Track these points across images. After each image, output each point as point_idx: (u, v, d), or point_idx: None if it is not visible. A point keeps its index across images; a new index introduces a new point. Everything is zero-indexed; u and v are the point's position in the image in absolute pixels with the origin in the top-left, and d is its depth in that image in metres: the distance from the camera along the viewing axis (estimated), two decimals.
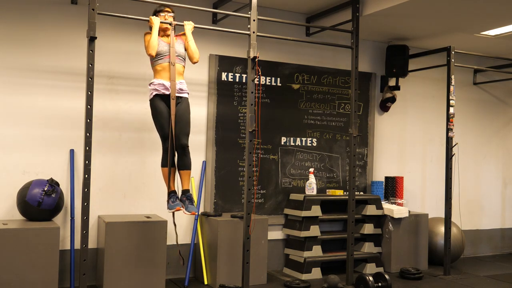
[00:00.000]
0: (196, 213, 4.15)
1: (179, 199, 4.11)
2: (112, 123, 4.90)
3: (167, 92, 4.04)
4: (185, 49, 4.19)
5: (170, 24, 4.09)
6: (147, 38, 4.05)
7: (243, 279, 4.32)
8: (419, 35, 5.98)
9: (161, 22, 4.06)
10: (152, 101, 4.09)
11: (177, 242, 4.29)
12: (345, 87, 6.06)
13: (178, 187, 4.19)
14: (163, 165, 4.14)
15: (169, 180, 4.09)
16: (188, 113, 4.16)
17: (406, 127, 6.59)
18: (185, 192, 4.13)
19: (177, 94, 4.07)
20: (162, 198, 4.98)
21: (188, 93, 4.19)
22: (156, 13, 4.14)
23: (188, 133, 4.16)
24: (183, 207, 4.08)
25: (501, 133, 7.33)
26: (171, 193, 4.10)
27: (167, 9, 4.14)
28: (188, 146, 4.13)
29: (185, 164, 4.14)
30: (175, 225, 4.20)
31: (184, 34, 4.19)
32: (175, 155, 4.10)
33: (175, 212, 4.09)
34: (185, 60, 4.19)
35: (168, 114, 4.05)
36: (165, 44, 4.09)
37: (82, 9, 4.55)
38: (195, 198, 5.17)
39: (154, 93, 4.06)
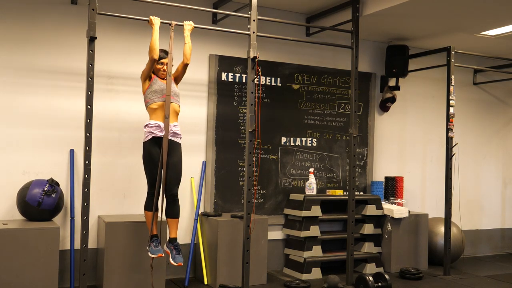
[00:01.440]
0: (182, 264, 4.10)
1: (160, 244, 4.06)
2: (112, 123, 4.90)
3: (163, 134, 3.98)
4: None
5: (170, 24, 4.09)
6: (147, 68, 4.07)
7: (243, 279, 4.32)
8: (419, 35, 5.98)
9: (161, 22, 4.05)
10: (145, 145, 4.05)
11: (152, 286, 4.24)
12: (345, 87, 6.06)
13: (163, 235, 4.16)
14: (147, 208, 4.10)
15: (152, 223, 4.04)
16: (180, 162, 4.11)
17: (406, 127, 6.59)
18: (173, 240, 4.07)
19: (170, 138, 4.01)
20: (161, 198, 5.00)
21: (181, 138, 4.15)
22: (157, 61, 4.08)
23: (179, 182, 4.12)
24: (169, 256, 4.03)
25: (501, 133, 7.33)
26: (154, 237, 4.06)
27: (164, 60, 4.10)
28: (177, 195, 4.10)
29: (174, 213, 4.10)
30: (152, 268, 4.13)
31: (172, 75, 4.17)
32: (159, 199, 4.02)
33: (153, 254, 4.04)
34: (179, 99, 4.18)
35: (159, 161, 3.98)
36: (161, 84, 4.07)
37: (82, 9, 4.55)
38: (195, 198, 5.18)
39: (150, 136, 4.01)
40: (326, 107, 5.97)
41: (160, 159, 3.95)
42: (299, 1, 5.33)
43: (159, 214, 4.05)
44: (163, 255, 4.05)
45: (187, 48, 4.14)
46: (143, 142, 4.08)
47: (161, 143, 3.98)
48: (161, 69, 4.11)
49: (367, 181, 6.21)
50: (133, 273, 4.42)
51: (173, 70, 4.23)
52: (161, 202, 4.02)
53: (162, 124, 4.00)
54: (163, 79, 4.12)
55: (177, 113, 4.14)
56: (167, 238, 4.15)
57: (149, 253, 4.05)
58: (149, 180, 4.08)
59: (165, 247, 4.12)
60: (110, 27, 4.77)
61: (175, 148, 4.08)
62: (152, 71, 4.11)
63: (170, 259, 4.03)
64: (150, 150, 4.02)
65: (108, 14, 3.96)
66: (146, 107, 4.12)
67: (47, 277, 4.05)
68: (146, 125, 4.07)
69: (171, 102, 4.04)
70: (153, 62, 4.01)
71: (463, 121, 6.82)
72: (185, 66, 4.19)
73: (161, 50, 4.09)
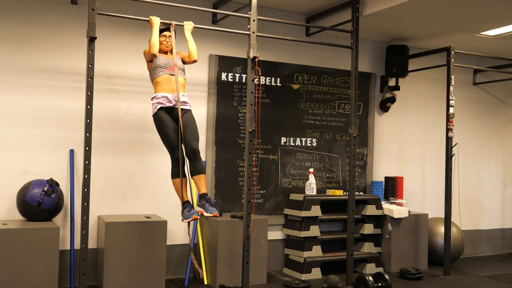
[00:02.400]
0: (218, 215, 4.08)
1: (193, 208, 4.05)
2: (112, 123, 4.89)
3: (171, 105, 4.01)
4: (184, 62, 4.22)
5: (170, 24, 4.09)
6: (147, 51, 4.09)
7: (243, 279, 4.32)
8: (419, 35, 5.98)
9: (161, 22, 4.06)
10: (156, 115, 4.05)
11: (191, 251, 4.24)
12: (345, 87, 6.06)
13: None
14: (174, 176, 4.09)
15: (182, 190, 4.03)
16: (194, 121, 4.12)
17: (406, 127, 6.59)
18: (204, 196, 4.06)
19: (181, 107, 4.03)
20: (162, 198, 5.01)
21: (190, 106, 4.16)
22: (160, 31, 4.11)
23: (198, 138, 4.11)
24: (202, 211, 4.00)
25: (501, 133, 7.33)
26: (185, 203, 4.04)
27: (166, 32, 4.12)
28: (199, 151, 4.09)
29: (198, 169, 4.07)
30: (189, 235, 4.18)
31: (180, 54, 4.22)
32: (185, 165, 4.03)
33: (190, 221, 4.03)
34: (185, 73, 4.20)
35: (174, 125, 4.02)
36: (164, 58, 4.09)
37: (82, 9, 4.54)
38: (194, 198, 5.17)
39: (158, 106, 4.02)
40: (326, 107, 5.97)
41: (179, 132, 3.96)
42: (299, 1, 5.33)
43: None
44: (198, 216, 3.98)
45: (191, 45, 4.15)
46: (153, 115, 4.08)
47: (171, 112, 4.01)
48: (164, 42, 4.11)
49: (367, 181, 6.20)
50: (133, 273, 4.42)
51: (184, 81, 4.20)
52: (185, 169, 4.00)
53: (168, 95, 4.02)
54: (165, 53, 4.14)
55: (183, 85, 4.14)
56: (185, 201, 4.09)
57: (183, 219, 4.00)
58: (169, 147, 4.07)
59: (197, 207, 4.07)
60: (110, 27, 4.77)
61: (188, 114, 4.10)
62: None
63: (205, 213, 3.98)
64: (161, 118, 4.02)
65: (108, 14, 3.95)
66: (152, 81, 4.13)
67: (47, 277, 4.05)
68: (153, 97, 4.08)
69: (178, 75, 4.05)
70: (152, 56, 4.05)
71: (463, 121, 6.82)
72: (192, 62, 4.22)
73: (163, 23, 4.10)
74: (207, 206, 4.00)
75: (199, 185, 4.08)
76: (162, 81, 4.06)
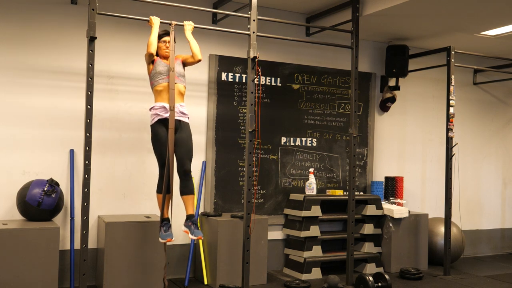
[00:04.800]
0: (202, 238, 4.12)
1: (170, 227, 4.05)
2: (112, 123, 4.89)
3: (168, 115, 3.96)
4: (184, 65, 4.19)
5: (170, 24, 4.09)
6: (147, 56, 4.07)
7: (243, 279, 4.32)
8: (419, 35, 5.98)
9: (161, 26, 4.05)
10: (153, 127, 4.03)
11: (165, 268, 4.24)
12: (345, 87, 6.06)
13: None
14: (159, 191, 4.10)
15: (163, 207, 4.03)
16: (190, 139, 4.10)
17: (406, 127, 6.59)
18: (190, 217, 4.07)
19: (177, 117, 4.00)
20: None
21: (189, 118, 4.13)
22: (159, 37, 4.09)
23: (191, 158, 4.11)
24: (187, 232, 4.05)
25: (501, 133, 7.33)
26: (164, 221, 4.05)
27: (166, 38, 4.09)
28: (191, 171, 4.09)
29: (189, 189, 4.08)
30: (165, 251, 4.17)
31: (181, 56, 4.19)
32: (171, 181, 4.01)
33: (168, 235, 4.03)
34: (185, 80, 4.17)
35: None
36: (165, 64, 4.05)
37: (82, 9, 4.55)
38: (195, 198, 5.17)
39: (156, 118, 4.01)
40: (326, 107, 5.97)
41: (169, 141, 3.94)
42: (299, 1, 5.33)
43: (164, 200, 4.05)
44: (173, 239, 4.00)
45: (194, 45, 4.12)
46: (150, 125, 4.07)
47: (167, 123, 3.98)
48: (164, 47, 4.09)
49: (367, 181, 6.20)
50: (133, 273, 4.42)
51: (184, 89, 4.18)
52: (170, 185, 4.01)
53: (167, 106, 3.98)
54: (166, 58, 4.10)
55: (182, 94, 4.10)
56: (170, 218, 4.12)
57: (159, 238, 4.02)
58: (159, 161, 4.07)
59: (183, 227, 4.09)
60: (110, 27, 4.77)
61: (183, 127, 4.06)
62: (156, 53, 4.09)
63: (190, 235, 4.02)
64: (157, 131, 4.01)
65: (108, 14, 3.96)
66: (152, 88, 4.10)
67: (47, 277, 4.05)
68: (152, 107, 4.06)
69: (176, 83, 4.02)
70: (150, 57, 4.03)
71: (463, 121, 6.82)
72: (196, 62, 4.18)
73: (163, 30, 4.10)
74: (193, 228, 4.03)
75: (187, 206, 4.09)
76: (162, 90, 4.01)
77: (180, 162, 4.03)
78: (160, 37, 4.07)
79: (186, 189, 4.08)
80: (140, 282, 4.44)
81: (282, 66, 5.70)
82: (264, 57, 5.26)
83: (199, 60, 4.16)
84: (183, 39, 4.20)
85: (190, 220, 4.06)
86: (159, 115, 4.00)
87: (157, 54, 4.10)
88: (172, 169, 3.98)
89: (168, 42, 4.08)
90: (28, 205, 4.24)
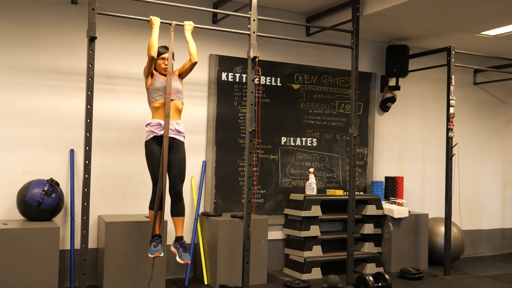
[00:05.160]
0: (189, 262, 4.11)
1: (161, 243, 4.04)
2: (112, 123, 4.89)
3: (163, 133, 3.95)
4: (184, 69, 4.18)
5: (170, 24, 4.09)
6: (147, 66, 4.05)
7: (243, 279, 4.32)
8: (419, 35, 5.98)
9: (161, 22, 4.05)
10: (147, 143, 4.03)
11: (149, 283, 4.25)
12: (345, 87, 6.06)
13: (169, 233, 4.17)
14: (151, 207, 4.07)
15: (154, 223, 4.00)
16: (184, 160, 4.09)
17: (406, 127, 6.59)
18: (179, 239, 4.07)
19: (172, 135, 3.99)
20: None
21: (184, 136, 4.12)
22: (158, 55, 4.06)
23: (183, 180, 4.11)
24: (175, 253, 4.05)
25: (501, 133, 7.33)
26: (155, 237, 4.02)
27: (165, 55, 4.08)
28: (182, 193, 4.10)
29: (179, 211, 4.08)
30: (153, 266, 4.15)
31: (177, 70, 4.17)
32: (164, 198, 4.00)
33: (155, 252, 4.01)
34: (183, 96, 4.15)
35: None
36: (163, 80, 4.03)
37: (82, 9, 4.55)
38: (195, 198, 5.18)
39: (151, 135, 4.00)
40: (326, 107, 5.97)
41: (161, 158, 3.93)
42: (299, 1, 5.33)
43: (159, 215, 4.05)
44: (161, 254, 4.02)
45: (191, 46, 4.11)
46: (145, 141, 4.07)
47: (163, 141, 3.96)
48: (163, 64, 4.07)
49: (367, 181, 6.20)
50: (133, 273, 4.42)
51: (178, 67, 4.22)
52: (163, 202, 4.01)
53: (163, 122, 3.97)
54: (165, 75, 4.07)
55: (179, 111, 4.09)
56: (174, 237, 4.13)
57: (149, 253, 4.03)
58: (153, 178, 4.06)
59: (172, 247, 4.12)
60: (110, 27, 4.77)
61: (178, 146, 4.05)
62: (154, 67, 4.09)
63: (177, 258, 4.03)
64: (152, 148, 4.01)
65: (108, 14, 3.96)
66: (149, 105, 4.09)
67: (47, 277, 4.05)
68: (148, 124, 4.06)
69: (173, 100, 4.01)
70: (151, 60, 3.99)
71: (463, 121, 6.82)
72: (193, 65, 4.13)
73: (162, 46, 4.08)
74: (181, 251, 4.04)
75: (177, 227, 4.09)
76: (159, 107, 4.00)
77: (172, 184, 4.03)
78: (159, 54, 4.04)
79: (177, 210, 4.08)
80: (140, 282, 4.43)
81: (282, 66, 5.70)
82: (264, 57, 5.26)
83: (195, 63, 4.13)
84: (182, 40, 4.20)
85: (178, 242, 4.07)
86: (154, 132, 3.99)
87: (155, 69, 4.09)
88: (164, 186, 3.97)
89: (167, 59, 4.05)
90: (28, 205, 4.24)
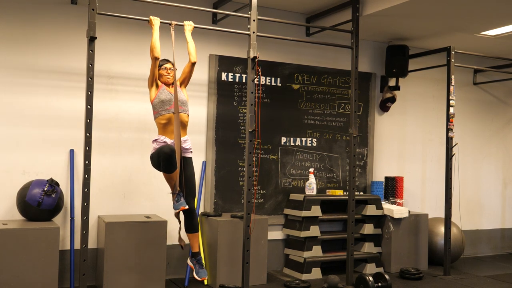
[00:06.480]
0: (206, 278, 4.11)
1: (183, 197, 3.92)
2: (112, 123, 4.89)
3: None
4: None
5: (170, 24, 4.08)
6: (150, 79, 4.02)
7: (243, 279, 4.32)
8: (419, 35, 5.98)
9: (161, 22, 4.05)
10: (154, 155, 3.93)
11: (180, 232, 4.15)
12: (345, 87, 6.06)
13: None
14: (165, 171, 3.86)
15: (175, 181, 3.86)
16: (193, 176, 4.09)
17: (406, 127, 6.59)
18: (195, 255, 4.09)
19: (182, 155, 3.94)
20: (162, 198, 4.99)
21: (192, 152, 4.11)
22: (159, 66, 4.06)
23: (195, 195, 4.14)
24: (193, 271, 4.07)
25: (501, 133, 7.33)
26: (178, 192, 3.89)
27: (167, 64, 4.08)
28: (195, 209, 4.11)
29: (194, 227, 4.09)
30: (179, 219, 4.07)
31: (178, 80, 4.12)
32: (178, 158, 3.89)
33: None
34: (188, 109, 4.09)
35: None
36: (168, 93, 3.99)
37: (82, 9, 4.54)
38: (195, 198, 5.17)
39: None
40: (326, 107, 5.97)
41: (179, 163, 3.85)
42: (299, 1, 5.33)
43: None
44: (186, 207, 3.85)
45: (191, 46, 4.10)
46: (150, 154, 3.99)
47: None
48: (165, 74, 4.05)
49: (367, 181, 6.20)
50: (133, 273, 4.42)
51: (178, 75, 4.19)
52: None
53: (169, 141, 3.92)
54: (168, 85, 4.05)
55: (185, 125, 4.05)
56: (174, 237, 4.11)
57: (173, 208, 3.88)
58: (159, 156, 3.85)
59: (189, 261, 4.14)
60: (110, 27, 4.77)
61: (187, 163, 4.04)
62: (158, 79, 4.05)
63: (194, 274, 4.07)
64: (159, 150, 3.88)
65: (108, 14, 3.95)
66: (154, 119, 4.04)
67: (47, 277, 4.05)
68: (155, 140, 3.99)
69: (180, 113, 3.93)
70: (155, 62, 3.96)
71: (463, 121, 6.82)
72: (192, 65, 4.11)
73: (162, 59, 4.07)
74: (197, 268, 4.05)
75: (192, 243, 4.11)
76: (166, 123, 3.95)
77: (186, 201, 3.95)
78: (160, 65, 4.04)
79: (191, 227, 4.08)
80: (140, 282, 4.44)
81: (282, 66, 5.70)
82: (264, 57, 5.26)
83: (194, 63, 4.11)
84: (182, 40, 4.20)
85: (195, 259, 4.09)
86: None
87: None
88: (179, 145, 3.86)
89: (169, 69, 4.05)
90: (28, 205, 4.24)
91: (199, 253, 4.11)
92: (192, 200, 4.07)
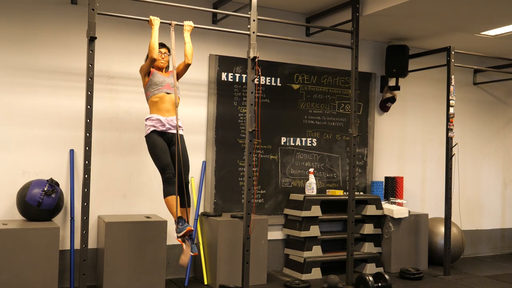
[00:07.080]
0: (197, 253, 4.06)
1: (186, 222, 3.95)
2: (112, 123, 4.90)
3: (164, 129, 4.03)
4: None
5: (170, 24, 4.08)
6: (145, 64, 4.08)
7: (243, 279, 4.32)
8: (419, 35, 5.98)
9: (161, 22, 4.05)
10: (148, 137, 4.06)
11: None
12: (345, 87, 6.06)
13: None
14: (167, 194, 3.95)
15: (176, 207, 3.91)
16: (186, 151, 4.16)
17: (406, 127, 6.59)
18: (180, 219, 3.99)
19: (173, 131, 4.02)
20: (162, 198, 4.97)
21: (183, 129, 4.20)
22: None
23: (189, 170, 4.19)
24: (182, 244, 3.96)
25: (501, 133, 7.33)
26: (179, 218, 3.91)
27: (162, 49, 4.15)
28: (189, 182, 4.14)
29: (187, 202, 4.09)
30: (184, 245, 4.02)
31: (172, 71, 4.17)
32: (176, 183, 3.95)
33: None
34: (179, 92, 4.20)
35: (166, 147, 4.03)
36: (160, 75, 4.10)
37: (82, 9, 4.54)
38: (195, 198, 5.18)
39: (151, 129, 4.03)
40: (326, 107, 5.97)
41: (176, 157, 3.94)
42: (299, 1, 5.33)
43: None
44: (192, 228, 3.88)
45: (188, 48, 4.14)
46: (145, 136, 4.09)
47: (163, 135, 4.04)
48: (159, 58, 4.13)
49: (367, 181, 6.20)
50: (133, 273, 4.42)
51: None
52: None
53: (162, 118, 4.04)
54: (161, 69, 4.16)
55: (177, 106, 4.10)
56: (174, 237, 4.07)
57: (177, 234, 3.87)
58: (160, 167, 4.02)
59: (178, 237, 3.99)
60: (110, 27, 4.77)
61: (180, 140, 4.07)
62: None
63: (190, 252, 3.95)
64: (154, 140, 4.03)
65: (108, 14, 3.96)
66: (147, 100, 4.14)
67: (47, 277, 4.05)
68: (148, 118, 4.09)
69: (169, 93, 4.08)
70: (152, 62, 4.01)
71: (463, 121, 6.82)
72: (186, 66, 4.20)
73: (159, 43, 4.10)
74: (189, 243, 3.93)
75: (182, 213, 4.03)
76: (158, 101, 4.06)
77: (180, 175, 4.02)
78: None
79: (185, 202, 4.07)
80: (140, 282, 4.44)
81: (282, 66, 5.70)
82: (264, 57, 5.26)
83: (189, 64, 4.17)
84: (182, 39, 4.20)
85: (186, 234, 3.98)
86: (155, 126, 4.03)
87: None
88: (179, 171, 3.99)
89: (164, 53, 4.15)
90: (28, 205, 4.24)
91: (192, 229, 3.92)
92: (187, 175, 4.13)
